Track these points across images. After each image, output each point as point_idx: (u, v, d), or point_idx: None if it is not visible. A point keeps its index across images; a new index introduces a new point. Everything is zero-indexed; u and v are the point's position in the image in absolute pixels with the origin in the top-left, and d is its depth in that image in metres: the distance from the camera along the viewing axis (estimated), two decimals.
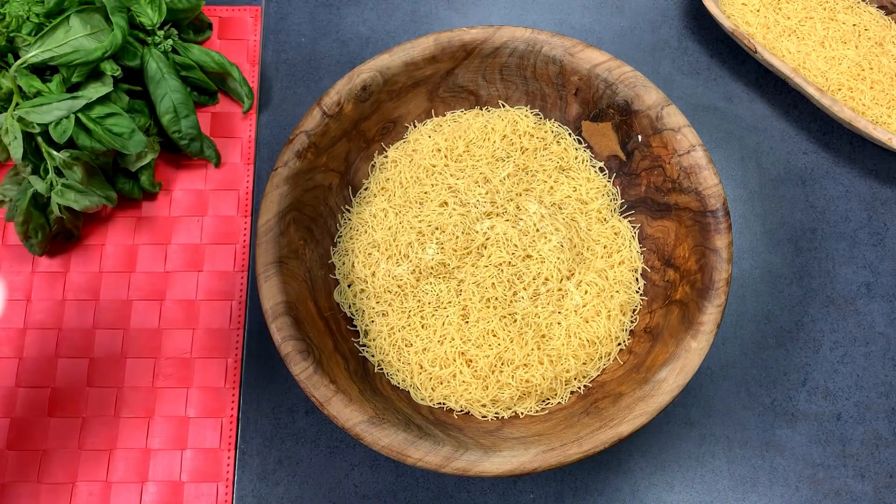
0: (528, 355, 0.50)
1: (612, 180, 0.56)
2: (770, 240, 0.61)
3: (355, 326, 0.53)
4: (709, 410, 0.57)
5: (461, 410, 0.51)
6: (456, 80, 0.56)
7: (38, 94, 0.54)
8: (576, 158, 0.57)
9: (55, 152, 0.54)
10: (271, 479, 0.55)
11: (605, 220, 0.55)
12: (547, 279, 0.52)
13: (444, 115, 0.58)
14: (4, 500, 0.53)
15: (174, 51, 0.60)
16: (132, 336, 0.57)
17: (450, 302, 0.52)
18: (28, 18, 0.55)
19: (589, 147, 0.57)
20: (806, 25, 0.65)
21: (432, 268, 0.52)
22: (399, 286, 0.53)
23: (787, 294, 0.60)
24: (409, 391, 0.51)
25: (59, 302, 0.58)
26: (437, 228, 0.53)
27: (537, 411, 0.51)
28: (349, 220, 0.56)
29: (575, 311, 0.52)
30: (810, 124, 0.65)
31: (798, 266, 0.61)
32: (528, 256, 0.53)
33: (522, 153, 0.56)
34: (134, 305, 0.58)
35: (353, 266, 0.54)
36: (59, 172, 0.55)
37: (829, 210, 0.62)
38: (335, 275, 0.54)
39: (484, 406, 0.50)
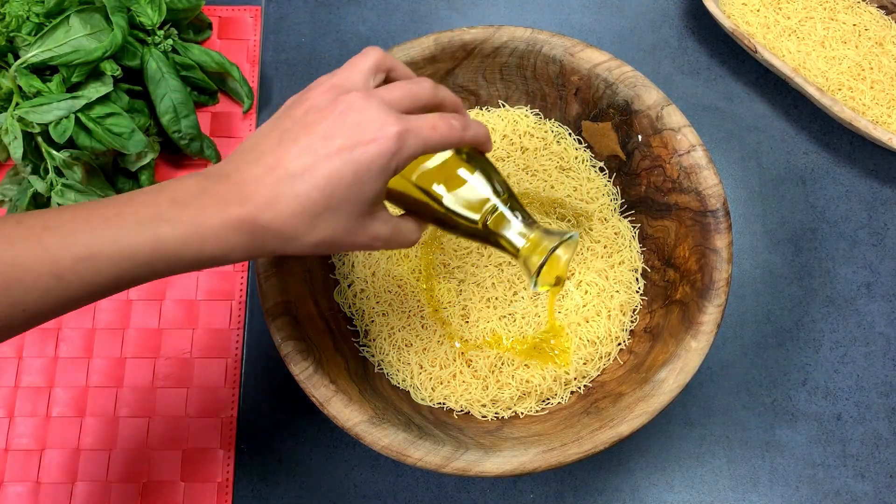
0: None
1: (612, 180, 0.56)
2: (770, 240, 0.61)
3: (355, 326, 0.53)
4: (709, 410, 0.57)
5: (461, 410, 0.51)
6: (456, 80, 0.56)
7: (38, 93, 0.54)
8: (576, 158, 0.57)
9: (55, 152, 0.54)
10: (271, 479, 0.55)
11: (605, 220, 0.55)
12: None
13: None
14: None
15: (174, 51, 0.60)
16: (132, 336, 0.57)
17: (450, 302, 0.52)
18: (28, 18, 0.55)
19: (589, 147, 0.57)
20: (806, 25, 0.65)
21: (432, 268, 0.52)
22: (399, 286, 0.53)
23: (787, 294, 0.60)
24: (409, 391, 0.51)
25: None
26: (437, 228, 0.53)
27: (537, 411, 0.51)
28: None
29: (575, 310, 0.52)
30: (810, 124, 0.65)
31: (798, 266, 0.61)
32: None
33: (522, 153, 0.56)
34: (134, 305, 0.58)
35: (353, 266, 0.54)
36: (59, 172, 0.55)
37: (829, 210, 0.62)
38: (335, 275, 0.54)
39: (484, 406, 0.50)
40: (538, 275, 0.40)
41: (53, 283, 0.32)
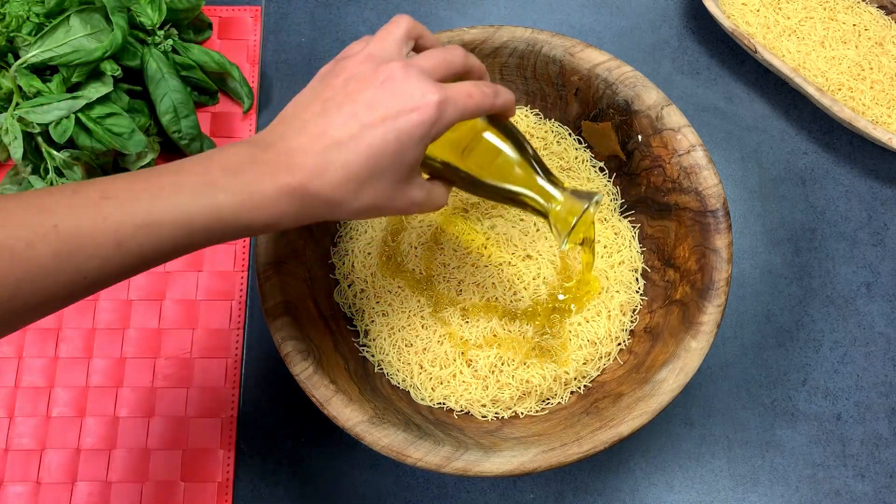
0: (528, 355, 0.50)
1: (612, 180, 0.56)
2: (770, 240, 0.61)
3: (355, 326, 0.53)
4: (709, 410, 0.57)
5: (461, 410, 0.51)
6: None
7: (39, 94, 0.54)
8: (576, 158, 0.57)
9: (55, 152, 0.54)
10: (271, 479, 0.55)
11: (605, 220, 0.55)
12: (546, 279, 0.52)
13: None
14: None
15: (174, 51, 0.60)
16: (132, 336, 0.57)
17: (450, 302, 0.52)
18: (28, 18, 0.55)
19: (589, 147, 0.57)
20: (806, 25, 0.65)
21: (433, 267, 0.52)
22: (399, 286, 0.53)
23: (787, 294, 0.60)
24: (409, 391, 0.51)
25: None
26: (437, 228, 0.53)
27: (537, 411, 0.51)
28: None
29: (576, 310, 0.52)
30: (810, 124, 0.65)
31: (798, 266, 0.61)
32: (528, 256, 0.53)
33: None
34: (134, 305, 0.58)
35: (353, 266, 0.54)
36: (59, 172, 0.55)
37: (829, 210, 0.62)
38: (335, 275, 0.54)
39: (484, 406, 0.50)
40: (570, 234, 0.42)
41: (114, 250, 0.32)
